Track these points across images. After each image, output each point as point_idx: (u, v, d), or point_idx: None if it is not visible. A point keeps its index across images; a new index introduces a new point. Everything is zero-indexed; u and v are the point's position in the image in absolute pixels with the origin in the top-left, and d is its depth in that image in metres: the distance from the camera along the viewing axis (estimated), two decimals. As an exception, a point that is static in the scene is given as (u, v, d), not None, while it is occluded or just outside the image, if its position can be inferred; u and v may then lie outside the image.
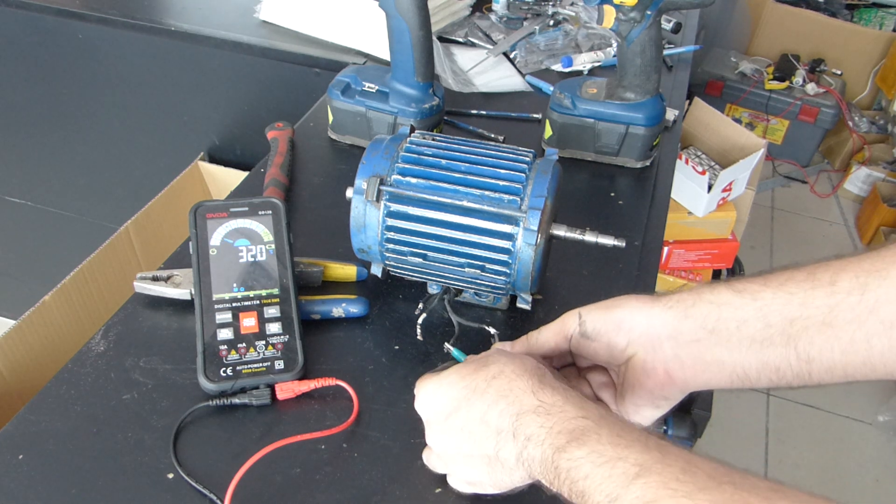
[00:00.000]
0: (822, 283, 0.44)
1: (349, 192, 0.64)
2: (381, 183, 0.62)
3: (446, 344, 0.62)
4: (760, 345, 0.45)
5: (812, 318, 0.43)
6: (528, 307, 0.67)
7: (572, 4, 1.31)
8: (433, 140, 0.66)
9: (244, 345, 0.60)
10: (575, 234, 0.63)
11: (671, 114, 1.02)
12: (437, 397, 0.49)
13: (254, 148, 1.26)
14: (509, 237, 0.61)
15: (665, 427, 1.46)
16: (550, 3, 1.32)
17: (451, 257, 0.63)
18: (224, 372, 0.58)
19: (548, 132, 0.94)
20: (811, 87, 2.85)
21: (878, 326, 0.42)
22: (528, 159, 0.64)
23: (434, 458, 0.52)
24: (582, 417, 0.41)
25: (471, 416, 0.46)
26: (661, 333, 0.48)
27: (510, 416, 0.44)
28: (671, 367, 0.48)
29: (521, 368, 0.46)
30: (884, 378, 0.43)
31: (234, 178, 1.24)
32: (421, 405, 0.51)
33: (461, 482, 0.51)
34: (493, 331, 0.66)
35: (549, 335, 0.53)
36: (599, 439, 0.39)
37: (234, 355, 0.59)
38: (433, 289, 0.70)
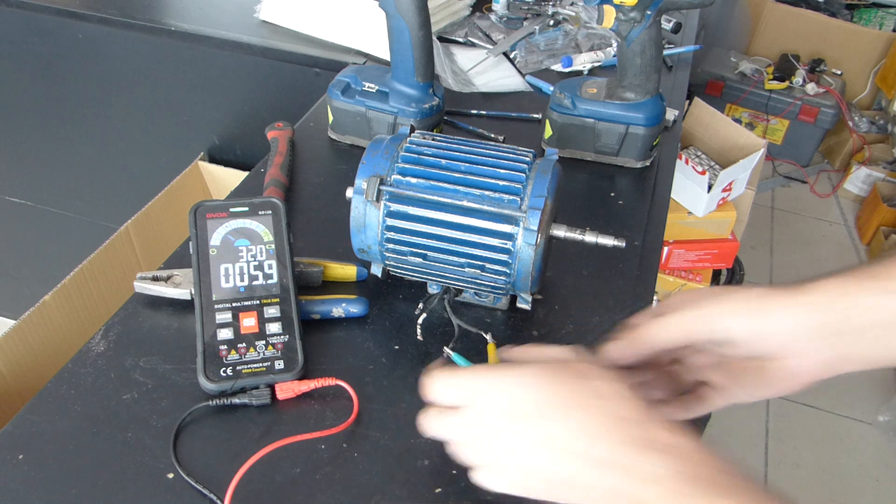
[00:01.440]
0: None
1: (349, 192, 0.64)
2: (381, 183, 0.62)
3: (446, 349, 0.62)
4: None
5: None
6: (528, 307, 0.67)
7: (572, 4, 1.31)
8: (433, 140, 0.66)
9: (244, 345, 0.60)
10: (575, 234, 0.63)
11: (671, 114, 1.02)
12: (514, 392, 0.43)
13: (254, 148, 1.26)
14: (509, 237, 0.61)
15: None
16: (550, 3, 1.32)
17: (451, 257, 0.63)
18: (224, 372, 0.58)
19: (548, 132, 0.94)
20: (811, 87, 2.85)
21: None
22: (528, 159, 0.64)
23: (468, 450, 0.45)
24: (702, 464, 0.39)
25: (569, 430, 0.41)
26: (811, 336, 0.46)
27: (623, 445, 0.40)
28: (816, 370, 0.46)
29: (629, 394, 0.42)
30: None
31: (234, 178, 1.25)
32: (479, 396, 0.44)
33: (503, 481, 0.44)
34: (489, 338, 0.65)
35: (671, 335, 0.48)
36: (722, 492, 0.37)
37: (234, 355, 0.60)
38: (433, 289, 0.70)
